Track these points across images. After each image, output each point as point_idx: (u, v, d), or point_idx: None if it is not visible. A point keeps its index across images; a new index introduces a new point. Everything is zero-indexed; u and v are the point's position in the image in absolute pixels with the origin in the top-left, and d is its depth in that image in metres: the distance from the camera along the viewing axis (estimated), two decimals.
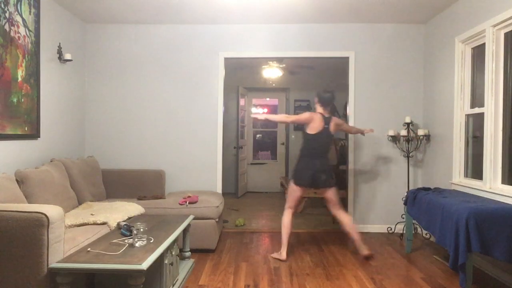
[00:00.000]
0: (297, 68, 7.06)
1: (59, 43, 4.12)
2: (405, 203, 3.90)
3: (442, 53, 4.27)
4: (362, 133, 4.15)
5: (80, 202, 3.67)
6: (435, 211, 3.21)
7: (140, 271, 2.11)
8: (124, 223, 2.88)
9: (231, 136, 7.84)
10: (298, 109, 8.07)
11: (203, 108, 4.80)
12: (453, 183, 3.94)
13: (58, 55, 4.09)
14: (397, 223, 4.66)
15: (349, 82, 4.77)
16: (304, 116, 3.75)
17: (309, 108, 7.87)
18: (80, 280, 2.56)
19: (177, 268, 3.03)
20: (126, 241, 2.55)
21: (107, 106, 4.81)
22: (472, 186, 3.60)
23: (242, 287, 3.02)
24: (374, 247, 4.12)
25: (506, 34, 3.29)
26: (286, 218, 3.80)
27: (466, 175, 3.89)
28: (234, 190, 7.68)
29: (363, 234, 4.62)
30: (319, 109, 3.80)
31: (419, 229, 4.68)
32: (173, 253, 2.87)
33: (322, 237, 4.48)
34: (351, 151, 4.78)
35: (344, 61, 4.85)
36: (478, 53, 3.76)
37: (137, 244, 2.45)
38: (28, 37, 3.52)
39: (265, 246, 4.16)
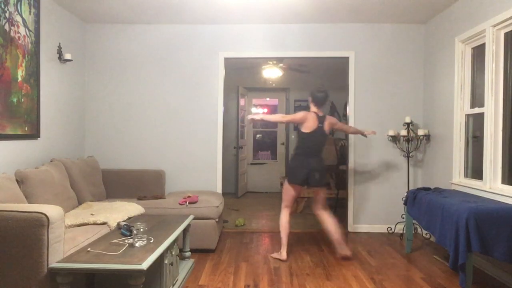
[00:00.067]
0: (294, 71, 7.06)
1: (59, 43, 4.13)
2: (405, 203, 3.90)
3: (442, 53, 4.27)
4: (363, 134, 4.14)
5: (80, 202, 3.67)
6: (435, 211, 3.21)
7: (140, 271, 2.11)
8: (124, 223, 2.88)
9: (231, 136, 7.84)
10: (298, 109, 8.05)
11: (203, 108, 4.80)
12: (453, 183, 3.94)
13: (58, 55, 4.09)
14: (397, 223, 4.66)
15: (349, 82, 4.77)
16: (299, 115, 3.78)
17: (309, 108, 7.85)
18: (80, 280, 2.56)
19: (177, 268, 3.03)
20: (126, 241, 2.55)
21: (107, 106, 4.81)
22: (472, 186, 3.60)
23: (242, 287, 3.02)
24: (374, 247, 4.13)
25: (506, 34, 3.29)
26: (284, 218, 3.82)
27: (466, 175, 3.89)
28: (234, 190, 7.68)
29: (363, 234, 4.64)
30: (313, 108, 3.83)
31: (419, 229, 4.68)
32: (173, 253, 2.87)
33: (322, 237, 4.48)
34: (351, 151, 4.78)
35: (344, 61, 4.85)
36: (478, 53, 3.76)
37: (137, 244, 2.45)
38: (28, 37, 3.52)
39: (265, 246, 4.16)
